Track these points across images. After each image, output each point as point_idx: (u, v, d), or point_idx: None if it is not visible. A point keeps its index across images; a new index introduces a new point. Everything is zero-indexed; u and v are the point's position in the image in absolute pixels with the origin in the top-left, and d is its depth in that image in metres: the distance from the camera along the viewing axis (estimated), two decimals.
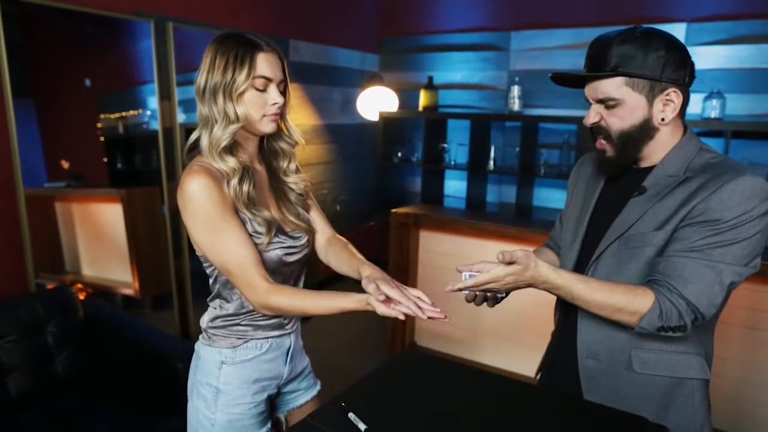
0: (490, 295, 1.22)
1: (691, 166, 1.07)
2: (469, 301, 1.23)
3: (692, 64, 1.07)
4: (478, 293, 1.20)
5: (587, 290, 1.06)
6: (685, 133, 1.12)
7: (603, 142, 1.12)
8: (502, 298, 1.23)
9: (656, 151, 1.11)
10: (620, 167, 1.14)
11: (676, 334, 1.04)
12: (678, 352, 1.11)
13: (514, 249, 1.08)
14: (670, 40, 1.05)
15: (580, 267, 1.20)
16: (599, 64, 1.06)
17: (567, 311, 1.24)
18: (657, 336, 1.06)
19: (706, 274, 1.01)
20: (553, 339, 1.35)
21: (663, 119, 1.07)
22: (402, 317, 1.01)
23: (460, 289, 1.12)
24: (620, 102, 1.06)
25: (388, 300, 1.02)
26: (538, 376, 1.38)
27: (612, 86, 1.06)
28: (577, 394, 1.19)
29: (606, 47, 1.05)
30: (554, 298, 1.27)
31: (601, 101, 1.09)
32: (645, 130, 1.07)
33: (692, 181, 1.04)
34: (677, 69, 1.03)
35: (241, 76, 1.11)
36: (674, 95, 1.05)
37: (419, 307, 1.01)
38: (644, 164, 1.14)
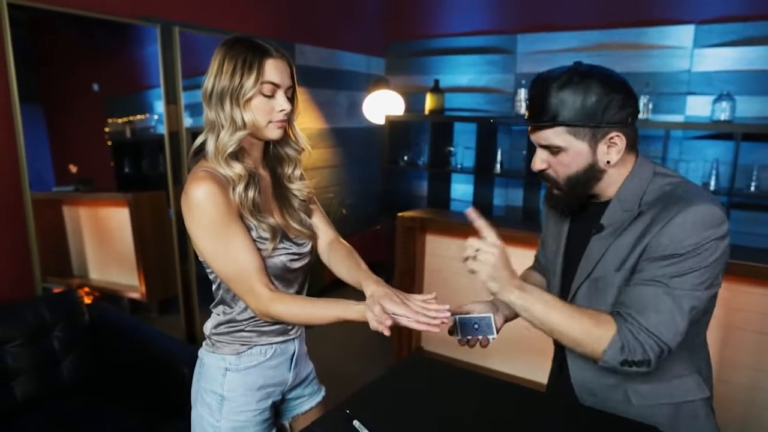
0: (482, 338, 1.23)
1: (646, 198, 1.06)
2: (462, 345, 1.24)
3: (635, 99, 1.06)
4: (470, 338, 1.22)
5: (551, 309, 1.03)
6: (636, 161, 1.10)
7: (551, 187, 1.14)
8: (493, 339, 1.22)
9: (610, 186, 1.11)
10: (571, 206, 1.15)
11: (640, 369, 1.00)
12: (672, 377, 1.09)
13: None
14: (610, 81, 1.03)
15: (562, 295, 1.20)
16: (540, 111, 1.06)
17: (559, 348, 1.24)
18: (643, 365, 1.02)
19: (665, 302, 0.99)
20: (552, 371, 1.33)
21: (608, 161, 1.06)
22: (388, 333, 1.00)
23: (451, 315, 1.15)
24: (564, 149, 1.06)
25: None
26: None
27: (554, 135, 1.06)
28: None
29: (545, 93, 1.05)
30: None
31: (545, 147, 1.09)
32: (591, 173, 1.08)
33: (646, 215, 1.04)
34: (618, 110, 1.03)
35: (249, 82, 1.10)
36: (617, 139, 1.04)
37: (427, 316, 1.01)
38: (604, 198, 1.13)
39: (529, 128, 1.11)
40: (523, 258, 2.66)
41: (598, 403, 1.14)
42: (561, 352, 1.23)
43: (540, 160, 1.11)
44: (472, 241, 1.06)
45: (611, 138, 1.04)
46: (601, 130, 1.04)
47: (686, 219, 0.98)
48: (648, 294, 1.00)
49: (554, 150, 1.07)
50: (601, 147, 1.05)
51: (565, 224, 1.22)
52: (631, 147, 1.08)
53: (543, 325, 1.05)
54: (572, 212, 1.18)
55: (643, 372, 1.01)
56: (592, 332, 1.01)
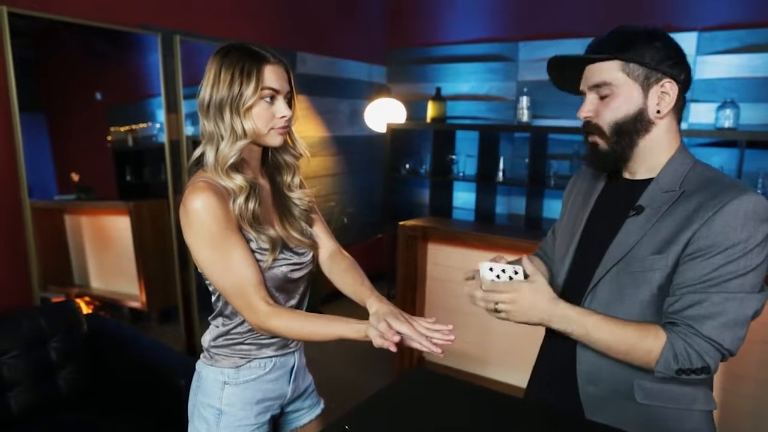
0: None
1: (687, 180, 1.03)
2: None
3: (689, 69, 1.04)
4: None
5: (597, 325, 1.00)
6: (679, 146, 1.08)
7: (595, 137, 1.08)
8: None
9: (652, 153, 1.06)
10: (614, 161, 1.09)
11: (700, 377, 0.97)
12: (685, 382, 1.04)
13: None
14: (669, 39, 1.03)
15: (572, 282, 1.16)
16: (598, 46, 1.06)
17: (562, 338, 1.18)
18: (703, 372, 0.99)
19: (727, 308, 0.95)
20: (544, 360, 1.28)
21: (659, 111, 1.03)
22: (394, 349, 0.98)
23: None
24: (614, 89, 1.03)
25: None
26: (527, 387, 1.32)
27: (607, 70, 1.03)
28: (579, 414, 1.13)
29: (608, 35, 1.06)
30: None
31: (595, 88, 1.05)
32: (640, 122, 1.03)
33: (690, 199, 1.00)
34: (674, 65, 1.01)
35: (249, 90, 1.08)
36: (669, 87, 1.01)
37: (431, 340, 0.99)
38: (638, 175, 1.10)
39: (584, 67, 1.07)
40: None
41: (599, 393, 1.09)
42: (562, 343, 1.15)
43: (588, 107, 1.07)
44: (484, 296, 1.04)
45: (663, 85, 1.01)
46: (654, 74, 1.01)
47: (739, 208, 0.94)
48: (707, 301, 0.96)
49: (604, 92, 1.04)
50: (653, 94, 1.02)
51: (589, 204, 1.18)
52: (679, 113, 1.06)
53: (591, 344, 1.03)
54: (615, 170, 1.13)
55: (704, 378, 0.99)
56: (639, 343, 0.98)
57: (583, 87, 1.09)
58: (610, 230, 1.08)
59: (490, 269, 1.05)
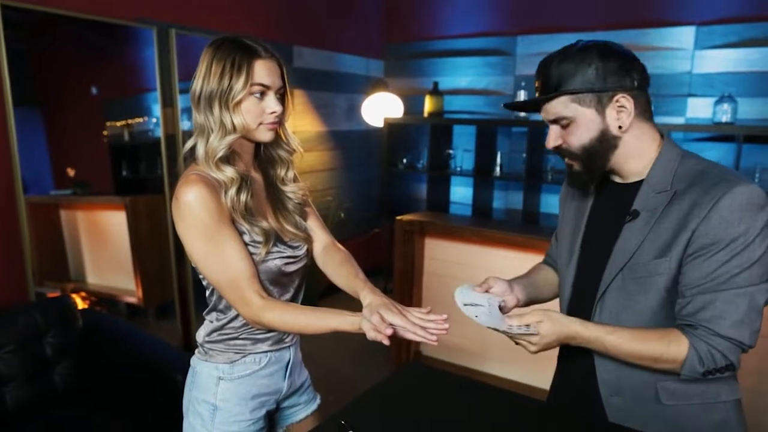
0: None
1: (677, 177, 1.04)
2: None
3: (639, 67, 1.04)
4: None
5: (620, 341, 1.02)
6: (662, 141, 1.09)
7: (569, 161, 1.11)
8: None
9: (632, 160, 1.08)
10: (591, 180, 1.12)
11: (724, 375, 1.00)
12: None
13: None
14: (608, 51, 1.03)
15: (579, 291, 1.17)
16: (544, 86, 1.06)
17: (577, 352, 1.18)
18: (727, 370, 1.01)
19: (739, 304, 0.96)
20: (563, 375, 1.27)
21: (620, 126, 1.04)
22: (387, 342, 0.97)
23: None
24: (572, 119, 1.05)
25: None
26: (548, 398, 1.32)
27: (560, 106, 1.05)
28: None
29: (547, 69, 1.06)
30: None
31: (555, 122, 1.08)
32: (605, 141, 1.05)
33: (684, 198, 1.01)
34: (622, 75, 1.02)
35: (238, 84, 1.07)
36: (624, 101, 1.02)
37: (425, 329, 0.98)
38: (629, 179, 1.11)
39: (540, 107, 1.09)
40: (522, 261, 2.65)
41: (624, 402, 1.10)
42: (580, 359, 1.17)
43: (553, 137, 1.09)
44: (518, 331, 1.05)
45: (617, 101, 1.02)
46: (606, 95, 1.02)
47: (733, 201, 0.95)
48: (719, 300, 0.97)
49: (564, 123, 1.06)
50: (610, 112, 1.03)
51: (586, 208, 1.19)
52: (644, 113, 1.06)
53: (617, 357, 1.04)
54: (594, 187, 1.15)
55: (728, 375, 1.01)
56: (665, 353, 0.99)
57: (544, 119, 1.11)
58: (609, 236, 1.10)
59: (471, 304, 1.09)
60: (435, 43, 4.37)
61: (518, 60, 4.00)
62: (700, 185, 0.99)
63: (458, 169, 4.17)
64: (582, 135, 1.05)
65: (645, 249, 1.03)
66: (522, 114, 3.78)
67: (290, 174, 1.26)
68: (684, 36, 3.40)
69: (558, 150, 1.11)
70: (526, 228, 3.13)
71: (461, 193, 4.33)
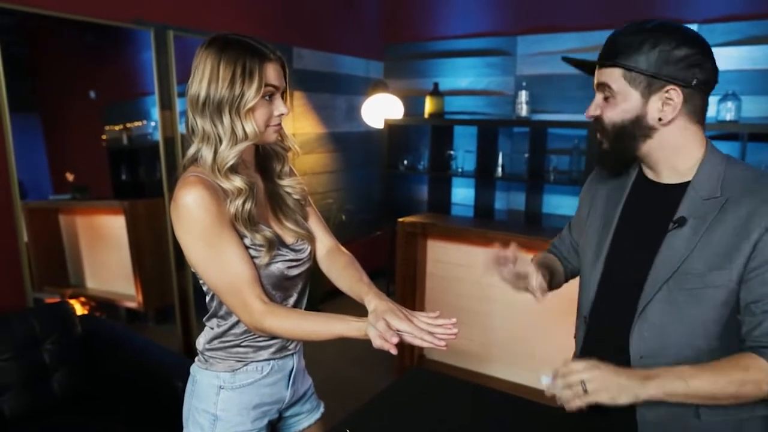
0: None
1: (726, 183, 0.98)
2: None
3: (708, 67, 0.98)
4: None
5: (689, 381, 0.93)
6: (707, 145, 1.04)
7: (601, 135, 1.08)
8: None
9: (672, 157, 1.03)
10: (617, 163, 1.08)
11: None
12: None
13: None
14: (681, 39, 0.97)
15: (607, 298, 1.11)
16: (605, 53, 1.03)
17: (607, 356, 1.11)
18: None
19: None
20: None
21: (660, 119, 0.99)
22: (395, 351, 0.93)
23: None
24: (615, 93, 1.01)
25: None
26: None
27: (610, 76, 1.01)
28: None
29: (618, 36, 1.02)
30: (567, 306, 1.18)
31: (600, 89, 1.04)
32: (638, 128, 1.01)
33: (739, 206, 0.95)
34: (683, 68, 0.96)
35: (251, 91, 1.03)
36: (674, 94, 0.97)
37: (433, 334, 0.95)
38: (663, 179, 1.06)
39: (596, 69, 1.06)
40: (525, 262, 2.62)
41: (657, 418, 1.04)
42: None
43: (594, 106, 1.06)
44: (571, 377, 0.94)
45: (667, 92, 0.97)
46: (657, 82, 0.97)
47: None
48: None
49: (606, 93, 1.02)
50: (655, 101, 0.99)
51: (618, 206, 1.13)
52: (695, 114, 1.01)
53: (692, 398, 0.95)
54: (619, 171, 1.11)
55: None
56: (745, 381, 0.93)
57: (594, 82, 1.07)
58: (647, 243, 1.04)
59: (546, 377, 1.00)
60: (435, 43, 4.35)
61: (519, 60, 3.97)
62: (756, 193, 0.95)
63: (459, 170, 4.14)
64: (617, 112, 1.01)
65: (695, 258, 0.97)
66: (523, 114, 3.76)
67: (286, 168, 1.24)
68: None
69: (595, 121, 1.07)
70: (529, 229, 3.10)
71: (463, 194, 4.30)
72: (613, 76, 1.00)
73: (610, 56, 1.01)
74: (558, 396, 0.95)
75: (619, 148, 1.04)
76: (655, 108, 0.99)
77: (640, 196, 1.11)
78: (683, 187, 1.02)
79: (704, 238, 0.97)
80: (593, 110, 1.06)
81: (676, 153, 1.02)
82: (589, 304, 1.13)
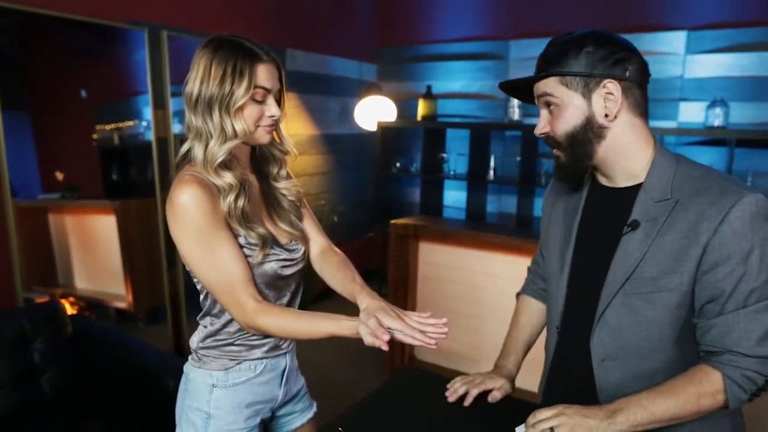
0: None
1: (676, 185, 0.99)
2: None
3: (640, 62, 1.01)
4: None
5: (652, 407, 0.94)
6: (655, 146, 1.05)
7: (556, 151, 1.08)
8: None
9: (623, 158, 1.03)
10: (576, 173, 1.08)
11: (766, 390, 0.96)
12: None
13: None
14: (604, 38, 1.00)
15: (573, 307, 1.12)
16: (537, 68, 1.05)
17: (573, 362, 1.13)
18: None
19: (761, 320, 0.93)
20: (557, 389, 1.20)
21: (607, 115, 1.00)
22: (386, 348, 0.94)
23: None
24: (558, 101, 1.02)
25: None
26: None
27: (547, 86, 1.03)
28: None
29: (545, 50, 1.05)
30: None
31: (542, 100, 1.05)
32: (591, 129, 1.01)
33: (688, 208, 0.96)
34: (613, 64, 0.98)
35: (240, 90, 1.04)
36: (612, 86, 0.98)
37: (424, 333, 0.96)
38: (617, 182, 1.07)
39: (532, 87, 1.07)
40: (516, 264, 2.64)
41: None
42: (577, 376, 1.12)
43: (542, 123, 1.06)
44: (538, 426, 0.95)
45: (605, 86, 0.99)
46: (593, 80, 0.99)
47: (743, 212, 0.92)
48: (740, 322, 0.93)
49: (551, 103, 1.03)
50: (596, 98, 1.00)
51: (576, 214, 1.14)
52: (637, 108, 1.02)
53: (659, 422, 0.95)
54: (578, 182, 1.11)
55: None
56: (701, 395, 0.94)
57: (535, 101, 1.08)
58: (606, 248, 1.05)
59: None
60: (428, 47, 4.37)
61: (511, 64, 4.01)
62: (705, 195, 0.95)
63: (452, 172, 4.17)
64: (567, 120, 1.02)
65: (649, 262, 0.98)
66: (515, 118, 3.79)
67: (283, 171, 1.25)
68: (675, 41, 3.42)
69: (546, 138, 1.08)
70: (520, 231, 3.12)
71: (455, 196, 4.33)
72: (550, 85, 1.02)
73: (541, 69, 1.03)
74: None
75: (577, 156, 1.04)
76: (599, 105, 1.00)
77: (595, 203, 1.12)
78: (636, 189, 1.03)
79: (656, 240, 0.98)
80: (542, 127, 1.06)
81: (628, 152, 1.03)
82: (559, 316, 1.14)
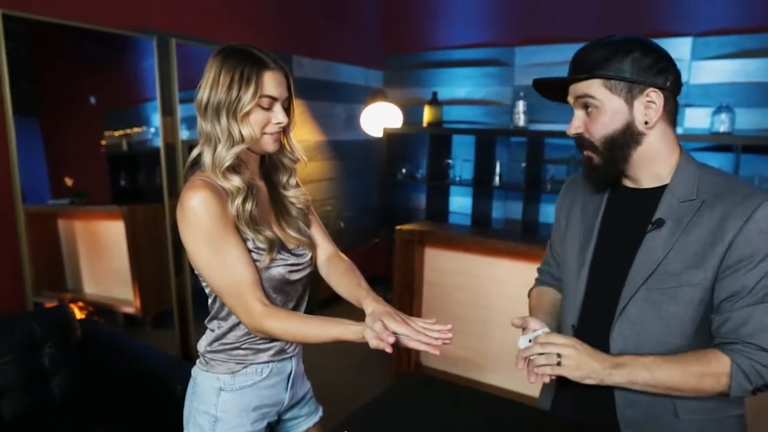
0: None
1: (701, 187, 1.02)
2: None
3: (677, 72, 1.03)
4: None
5: (653, 371, 0.98)
6: (681, 152, 1.07)
7: (589, 152, 1.08)
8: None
9: (652, 162, 1.06)
10: (610, 175, 1.09)
11: None
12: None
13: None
14: (648, 46, 1.02)
15: (592, 303, 1.13)
16: (578, 67, 1.05)
17: None
18: None
19: None
20: (571, 385, 1.19)
21: (647, 122, 1.02)
22: (390, 350, 0.96)
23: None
24: (599, 104, 1.03)
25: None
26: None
27: (590, 87, 1.03)
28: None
29: (583, 53, 1.05)
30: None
31: (581, 101, 1.05)
32: (629, 135, 1.03)
33: (714, 208, 0.99)
34: (657, 73, 1.00)
35: (247, 96, 1.07)
36: (654, 95, 1.01)
37: (429, 338, 0.97)
38: (642, 184, 1.09)
39: (568, 88, 1.07)
40: (522, 270, 2.64)
41: (638, 415, 1.07)
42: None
43: (576, 123, 1.07)
44: (548, 347, 1.00)
45: (648, 95, 1.01)
46: (637, 86, 1.00)
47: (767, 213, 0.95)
48: (756, 314, 0.96)
49: (590, 106, 1.04)
50: (638, 105, 1.01)
51: (597, 215, 1.15)
52: (670, 117, 1.05)
53: (656, 388, 1.00)
54: (610, 184, 1.13)
55: None
56: (705, 374, 0.98)
57: (570, 100, 1.09)
58: (629, 246, 1.07)
59: (529, 340, 1.05)
60: (434, 53, 4.39)
61: (516, 70, 4.02)
62: (730, 196, 0.99)
63: (457, 178, 4.17)
64: (606, 124, 1.03)
65: (672, 259, 1.01)
66: (521, 124, 3.79)
67: (293, 180, 1.27)
68: (681, 47, 3.42)
69: (578, 139, 1.08)
70: (526, 237, 3.13)
71: (460, 202, 4.33)
72: (593, 86, 1.02)
73: (584, 70, 1.03)
74: (531, 360, 1.02)
75: (613, 159, 1.05)
76: (640, 112, 1.02)
77: (618, 203, 1.13)
78: (660, 190, 1.06)
79: (681, 238, 1.00)
80: (576, 127, 1.07)
81: (658, 156, 1.05)
82: (576, 313, 1.15)
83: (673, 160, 1.06)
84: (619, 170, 1.08)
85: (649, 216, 1.05)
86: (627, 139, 1.03)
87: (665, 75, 1.01)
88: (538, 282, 1.40)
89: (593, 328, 1.09)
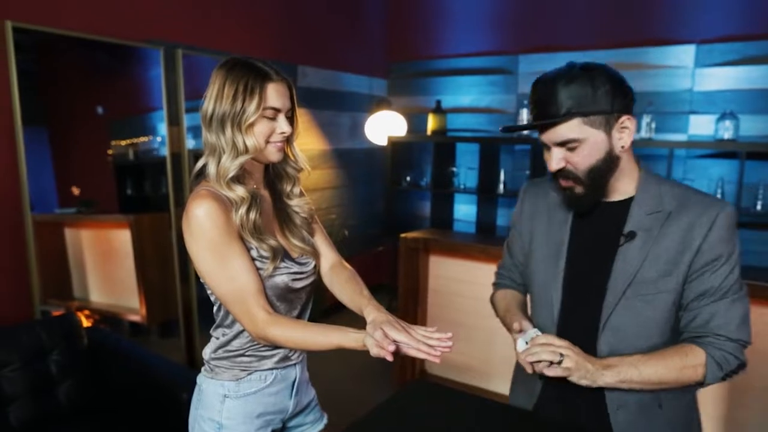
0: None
1: (665, 199, 1.10)
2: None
3: (630, 89, 1.09)
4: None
5: (640, 368, 1.07)
6: (640, 167, 1.15)
7: (569, 182, 1.12)
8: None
9: (622, 179, 1.13)
10: (594, 201, 1.14)
11: (738, 374, 1.10)
12: None
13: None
14: (611, 73, 1.06)
15: (570, 314, 1.17)
16: (551, 109, 1.05)
17: None
18: (741, 369, 1.12)
19: (738, 308, 1.08)
20: (558, 389, 1.21)
21: (623, 146, 1.08)
22: (390, 358, 0.97)
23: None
24: (582, 141, 1.06)
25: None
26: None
27: (570, 129, 1.05)
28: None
29: (553, 91, 1.05)
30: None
31: (562, 144, 1.08)
32: (610, 161, 1.08)
33: (680, 218, 1.08)
34: (623, 98, 1.06)
35: (251, 107, 1.09)
36: (628, 122, 1.07)
37: (430, 346, 0.98)
38: (611, 198, 1.14)
39: (540, 129, 1.09)
40: None
41: (628, 416, 1.13)
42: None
43: (557, 160, 1.09)
44: (553, 348, 1.07)
45: (623, 122, 1.07)
46: (613, 116, 1.06)
47: (725, 220, 1.06)
48: (720, 309, 1.07)
49: (572, 145, 1.07)
50: (615, 133, 1.07)
51: (565, 227, 1.19)
52: (633, 135, 1.12)
53: (642, 385, 1.08)
54: (592, 209, 1.16)
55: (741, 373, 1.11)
56: (686, 367, 1.07)
57: (545, 141, 1.10)
58: (602, 258, 1.13)
59: (525, 342, 1.11)
60: (438, 62, 4.42)
61: (520, 78, 4.04)
62: (692, 207, 1.08)
63: (462, 186, 4.18)
64: (591, 156, 1.07)
65: (647, 268, 1.09)
66: (525, 132, 3.81)
67: (296, 189, 1.28)
68: (684, 54, 3.43)
69: (561, 172, 1.11)
70: None
71: (465, 210, 4.34)
72: (574, 127, 1.05)
73: (563, 111, 1.04)
74: (532, 358, 1.07)
75: (597, 187, 1.11)
76: (616, 138, 1.08)
77: (587, 217, 1.18)
78: (626, 203, 1.13)
79: (653, 248, 1.09)
80: (557, 164, 1.09)
81: (626, 173, 1.12)
82: (554, 324, 1.18)
83: (636, 174, 1.13)
84: (602, 195, 1.13)
85: (619, 228, 1.12)
86: (608, 165, 1.09)
87: (629, 96, 1.07)
88: (499, 285, 1.44)
89: (577, 337, 1.11)
